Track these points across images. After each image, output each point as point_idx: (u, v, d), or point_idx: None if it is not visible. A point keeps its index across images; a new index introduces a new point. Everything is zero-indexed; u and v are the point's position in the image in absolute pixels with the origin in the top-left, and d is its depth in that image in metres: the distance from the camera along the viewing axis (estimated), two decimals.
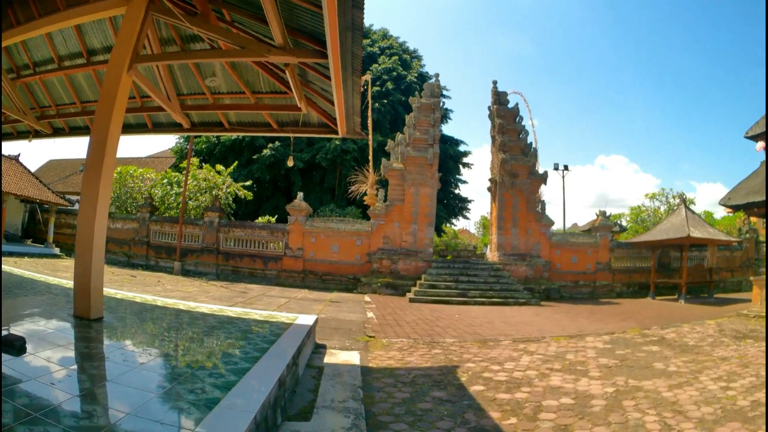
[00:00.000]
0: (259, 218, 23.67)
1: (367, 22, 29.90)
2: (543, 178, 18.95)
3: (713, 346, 7.16)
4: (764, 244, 19.57)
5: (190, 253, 18.36)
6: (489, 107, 20.43)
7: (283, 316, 6.37)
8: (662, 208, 29.89)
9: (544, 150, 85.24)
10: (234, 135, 23.05)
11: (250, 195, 22.57)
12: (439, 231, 31.74)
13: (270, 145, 28.16)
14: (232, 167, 23.04)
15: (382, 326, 8.86)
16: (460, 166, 34.17)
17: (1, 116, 7.72)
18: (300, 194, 18.81)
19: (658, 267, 18.47)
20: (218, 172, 21.96)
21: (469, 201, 37.75)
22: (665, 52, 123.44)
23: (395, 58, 33.42)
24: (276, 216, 24.04)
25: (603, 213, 19.95)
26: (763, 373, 5.29)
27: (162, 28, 6.17)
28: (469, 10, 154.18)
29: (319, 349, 6.16)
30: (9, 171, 19.50)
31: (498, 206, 18.75)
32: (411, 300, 14.15)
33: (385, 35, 36.47)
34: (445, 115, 33.26)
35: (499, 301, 14.31)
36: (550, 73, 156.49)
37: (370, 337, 7.57)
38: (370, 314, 10.48)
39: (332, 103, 5.74)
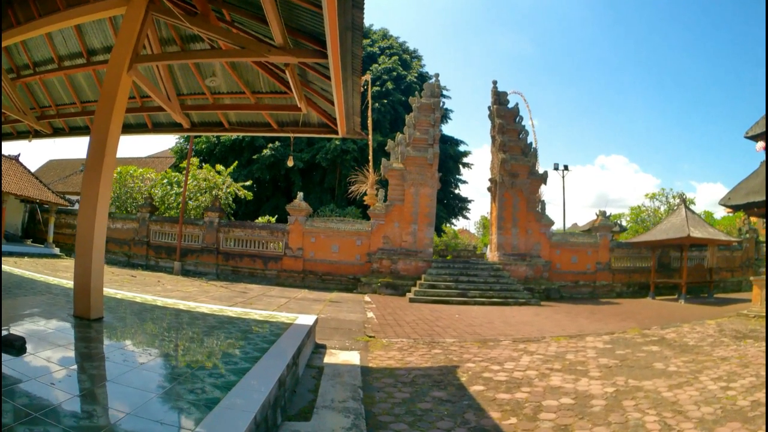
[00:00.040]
0: (259, 218, 23.66)
1: (367, 22, 29.91)
2: (543, 178, 18.95)
3: (713, 346, 7.16)
4: (764, 244, 19.57)
5: (190, 253, 18.36)
6: (489, 107, 20.44)
7: (283, 316, 6.37)
8: (662, 208, 29.90)
9: (544, 150, 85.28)
10: (234, 135, 23.06)
11: (250, 195, 22.57)
12: (439, 231, 31.75)
13: (270, 145, 28.16)
14: (232, 167, 23.04)
15: (382, 326, 8.86)
16: (460, 166, 34.18)
17: (1, 116, 7.72)
18: (300, 194, 18.80)
19: (658, 267, 18.46)
20: (218, 172, 21.96)
21: (469, 201, 37.84)
22: (665, 52, 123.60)
23: (395, 58, 33.43)
24: (276, 216, 24.04)
25: (603, 213, 19.95)
26: (763, 373, 5.30)
27: (162, 28, 6.17)
28: (469, 10, 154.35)
29: (319, 349, 6.16)
30: (9, 171, 19.50)
31: (498, 206, 18.75)
32: (411, 300, 14.15)
33: (385, 35, 36.48)
34: (445, 115, 33.27)
35: (499, 301, 14.32)
36: (550, 73, 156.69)
37: (370, 337, 7.57)
38: (370, 314, 10.48)
39: (332, 103, 5.74)
